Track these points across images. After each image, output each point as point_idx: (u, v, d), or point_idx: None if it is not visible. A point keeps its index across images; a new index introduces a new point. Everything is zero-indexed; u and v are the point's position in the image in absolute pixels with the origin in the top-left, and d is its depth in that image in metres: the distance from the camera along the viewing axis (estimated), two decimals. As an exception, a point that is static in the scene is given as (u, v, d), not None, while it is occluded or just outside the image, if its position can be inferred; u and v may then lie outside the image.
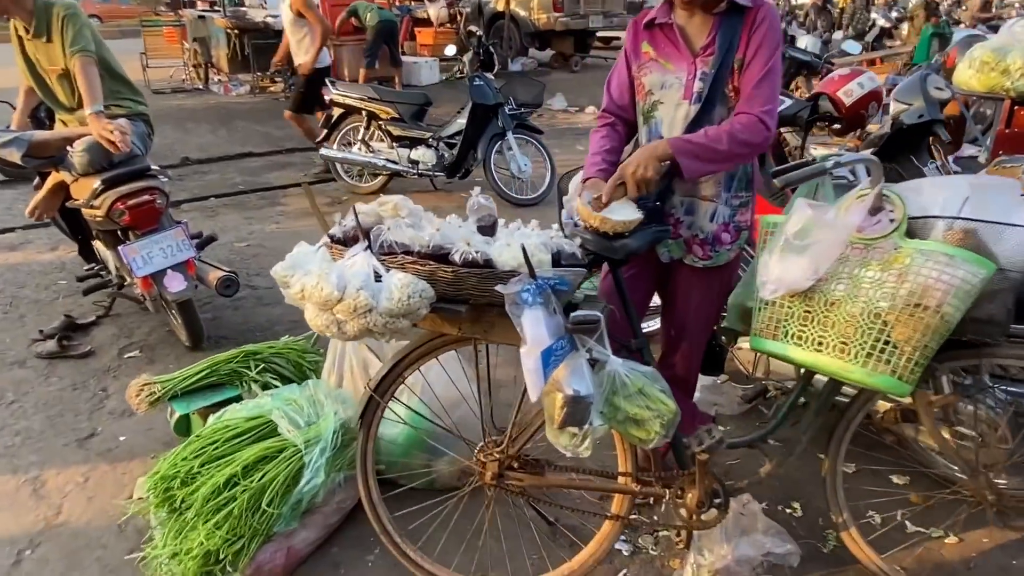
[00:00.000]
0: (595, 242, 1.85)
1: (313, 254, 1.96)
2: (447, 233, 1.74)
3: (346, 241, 1.82)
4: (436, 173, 6.15)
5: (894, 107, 3.70)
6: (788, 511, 2.45)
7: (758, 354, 2.78)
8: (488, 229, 1.91)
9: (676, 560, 2.21)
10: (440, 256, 1.66)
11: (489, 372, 2.00)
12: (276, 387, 2.60)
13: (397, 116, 6.25)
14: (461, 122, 6.04)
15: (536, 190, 6.09)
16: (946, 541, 2.30)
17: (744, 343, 2.88)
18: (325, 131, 6.45)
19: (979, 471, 1.94)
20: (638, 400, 1.74)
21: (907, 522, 2.38)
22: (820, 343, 1.73)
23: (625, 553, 2.25)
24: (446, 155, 6.13)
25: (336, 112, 6.43)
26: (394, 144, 6.23)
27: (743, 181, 2.05)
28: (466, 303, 1.70)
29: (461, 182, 6.41)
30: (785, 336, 1.79)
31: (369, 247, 1.70)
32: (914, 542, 2.28)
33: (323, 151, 6.36)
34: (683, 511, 1.96)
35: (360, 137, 6.35)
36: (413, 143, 6.20)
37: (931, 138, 3.83)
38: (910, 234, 1.74)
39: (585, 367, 1.72)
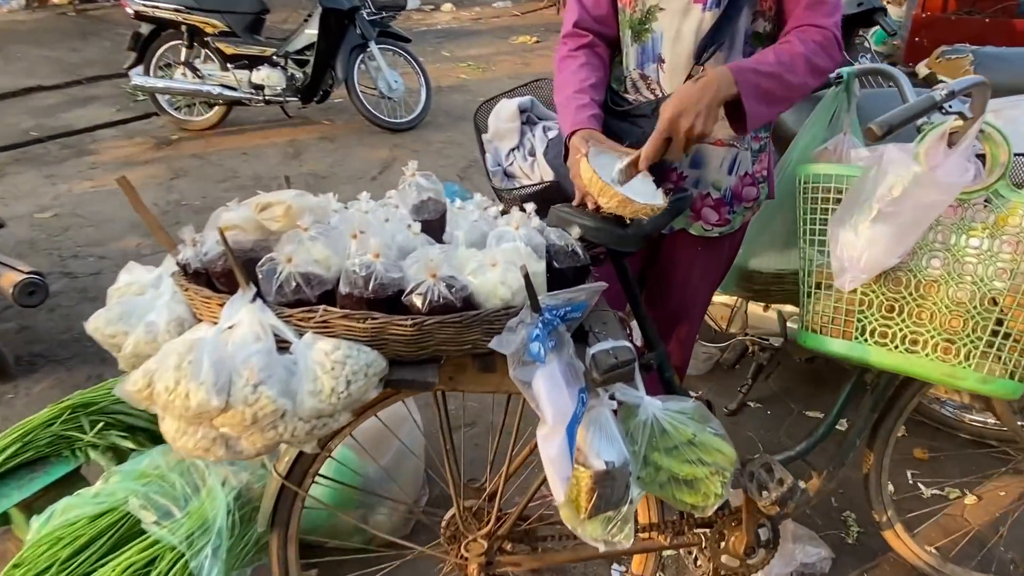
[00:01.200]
0: (603, 231, 1.26)
1: (153, 289, 1.25)
2: (388, 244, 1.07)
3: (209, 276, 1.10)
4: (288, 98, 5.13)
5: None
6: (796, 494, 2.11)
7: (734, 309, 2.37)
8: (435, 224, 1.25)
9: (694, 590, 1.81)
10: (389, 298, 1.00)
11: (449, 424, 1.40)
12: (128, 450, 1.84)
13: (227, 29, 5.09)
14: (311, 33, 5.00)
15: (411, 111, 5.26)
16: (966, 503, 2.07)
17: (715, 296, 2.46)
18: (134, 54, 5.15)
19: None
20: (687, 453, 1.23)
21: (920, 484, 2.13)
22: (914, 341, 1.28)
23: (630, 590, 1.81)
24: (297, 75, 5.11)
25: (145, 28, 5.13)
26: (229, 65, 5.10)
27: (764, 117, 1.51)
28: (436, 362, 1.07)
29: (320, 107, 5.44)
30: (862, 334, 1.33)
31: (259, 294, 1.00)
32: (933, 507, 2.03)
33: (135, 79, 5.09)
34: (724, 558, 1.52)
35: (183, 59, 5.13)
36: (253, 63, 5.10)
37: (855, 30, 3.46)
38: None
39: (612, 421, 1.18)
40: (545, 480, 1.27)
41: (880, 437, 1.64)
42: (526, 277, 0.99)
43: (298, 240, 1.06)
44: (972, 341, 1.24)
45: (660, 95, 1.46)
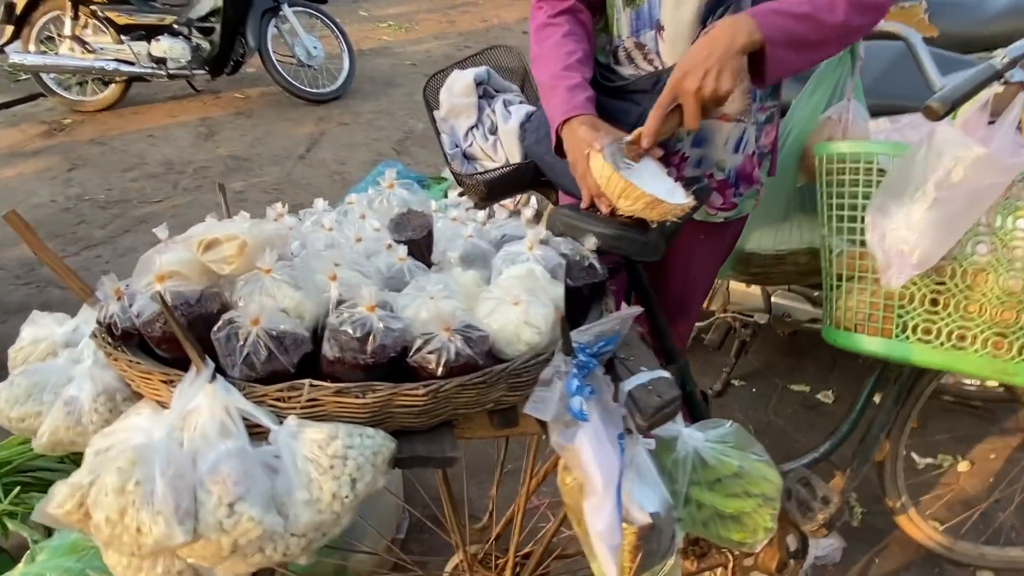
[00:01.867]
0: (625, 240, 1.08)
1: (69, 349, 0.99)
2: (367, 274, 0.85)
3: (142, 338, 0.85)
4: (194, 71, 4.64)
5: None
6: (794, 477, 2.03)
7: (715, 285, 2.24)
8: (421, 243, 1.04)
9: (708, 599, 1.70)
10: (391, 360, 0.78)
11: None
12: (54, 515, 1.56)
13: (116, -5, 4.53)
14: (214, -4, 4.51)
15: (335, 79, 4.86)
16: (960, 470, 2.04)
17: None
18: (11, 28, 4.52)
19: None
20: (732, 486, 1.08)
21: (913, 455, 2.08)
22: (962, 337, 1.16)
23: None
24: (203, 45, 4.61)
25: (19, -3, 4.50)
26: (123, 37, 4.55)
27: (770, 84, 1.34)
28: (449, 426, 0.86)
29: (232, 79, 4.97)
30: (903, 331, 1.20)
31: (220, 370, 0.76)
32: (929, 477, 2.00)
33: (13, 57, 4.48)
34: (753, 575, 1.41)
35: (67, 31, 4.55)
36: (151, 33, 4.57)
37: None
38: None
39: (650, 463, 1.01)
40: (565, 519, 1.11)
41: (897, 425, 1.55)
42: (563, 320, 0.80)
43: (260, 286, 0.83)
44: (1025, 334, 1.13)
45: (660, 67, 1.27)
